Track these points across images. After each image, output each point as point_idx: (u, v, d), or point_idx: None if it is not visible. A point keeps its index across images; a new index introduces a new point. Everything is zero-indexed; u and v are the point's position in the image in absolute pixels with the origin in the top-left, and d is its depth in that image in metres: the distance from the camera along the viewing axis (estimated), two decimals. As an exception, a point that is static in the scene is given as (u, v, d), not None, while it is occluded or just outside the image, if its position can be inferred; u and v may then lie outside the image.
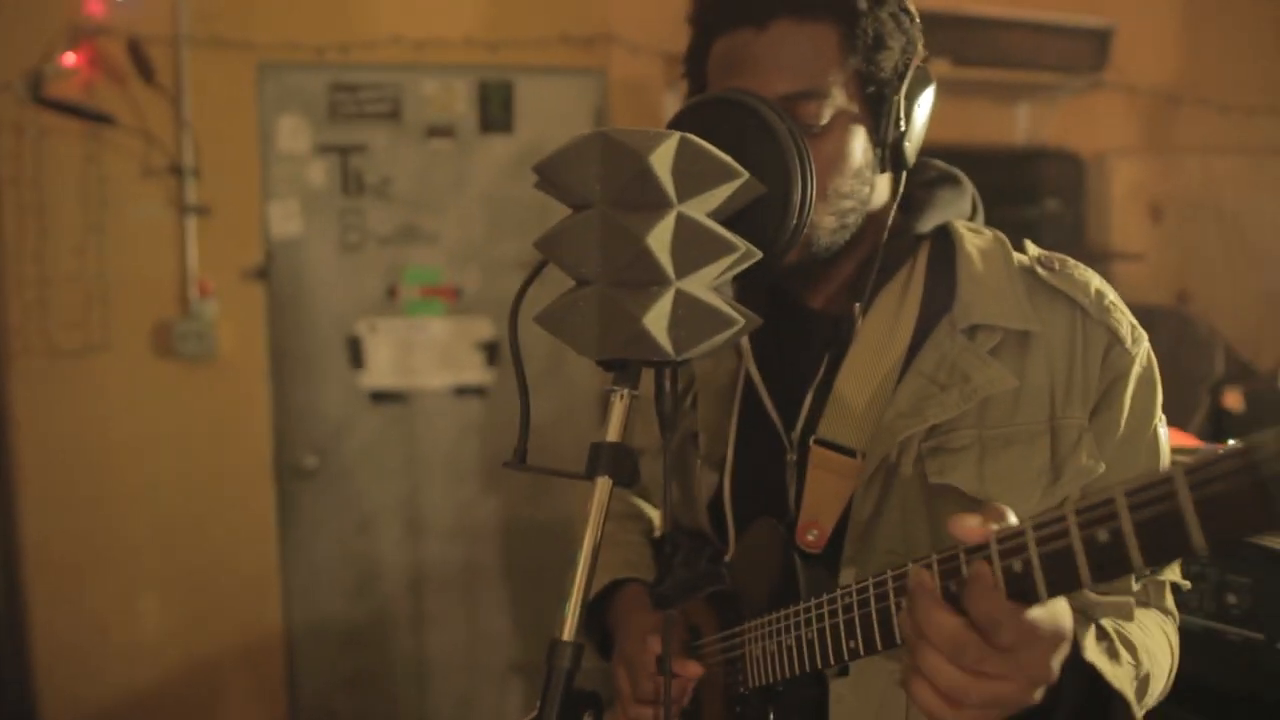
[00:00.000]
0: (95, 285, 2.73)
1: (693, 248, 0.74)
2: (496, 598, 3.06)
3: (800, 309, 1.03)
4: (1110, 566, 0.57)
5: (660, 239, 0.73)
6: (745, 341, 1.04)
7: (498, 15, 2.88)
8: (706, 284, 0.76)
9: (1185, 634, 1.33)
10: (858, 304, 0.98)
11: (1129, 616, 0.83)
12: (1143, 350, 0.95)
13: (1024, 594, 0.61)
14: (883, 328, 0.97)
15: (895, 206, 1.01)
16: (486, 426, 3.01)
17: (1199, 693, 1.29)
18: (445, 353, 2.98)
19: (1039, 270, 0.96)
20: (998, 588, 0.62)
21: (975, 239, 1.00)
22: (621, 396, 0.79)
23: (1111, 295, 0.96)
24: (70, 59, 2.62)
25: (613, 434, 0.80)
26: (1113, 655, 0.79)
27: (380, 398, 2.96)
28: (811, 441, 0.97)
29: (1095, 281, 0.97)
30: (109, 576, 2.79)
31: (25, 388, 2.72)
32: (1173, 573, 0.97)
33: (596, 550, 0.77)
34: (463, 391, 3.00)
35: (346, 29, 2.79)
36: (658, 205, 0.73)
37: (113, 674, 2.80)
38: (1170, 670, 0.94)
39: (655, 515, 1.29)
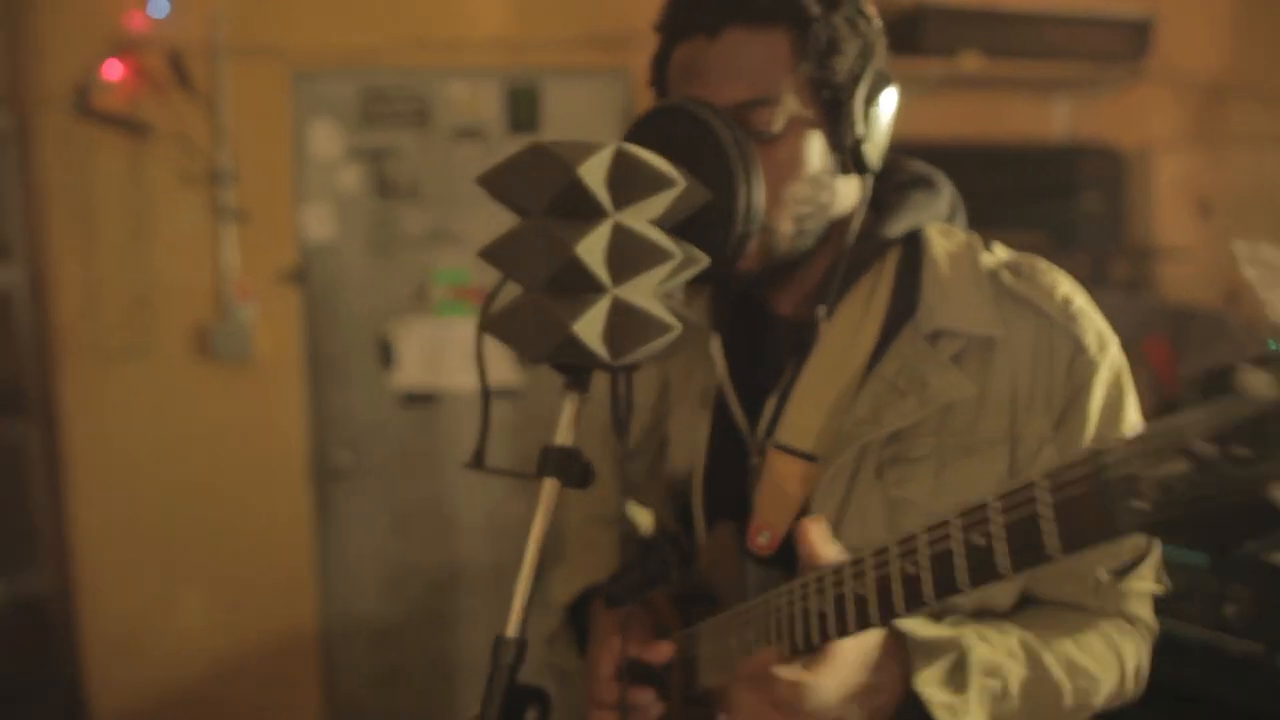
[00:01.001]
0: (138, 290, 2.82)
1: (628, 255, 0.75)
2: (527, 596, 3.09)
3: (768, 315, 1.03)
4: (980, 570, 0.58)
5: (592, 248, 0.74)
6: (717, 347, 1.05)
7: (523, 17, 2.91)
8: (649, 290, 0.77)
9: (1183, 645, 1.30)
10: (821, 308, 0.98)
11: (985, 639, 0.84)
12: (1109, 357, 0.93)
13: (913, 597, 0.64)
14: (846, 333, 0.97)
15: (864, 210, 1.00)
16: (516, 427, 3.04)
17: (1198, 704, 1.26)
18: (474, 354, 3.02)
19: (1004, 275, 0.94)
20: (771, 658, 0.76)
21: (945, 243, 0.99)
22: (571, 400, 0.81)
23: (1079, 300, 0.94)
24: (113, 71, 2.72)
25: (561, 437, 0.82)
26: (959, 685, 0.80)
27: (412, 399, 3.01)
28: (769, 445, 0.97)
29: (1063, 287, 0.94)
30: (152, 573, 2.88)
31: (74, 388, 2.82)
32: (1141, 579, 0.94)
33: (541, 549, 0.79)
34: (492, 393, 3.03)
35: (376, 34, 2.84)
36: (591, 214, 0.74)
37: (157, 668, 2.89)
38: (1120, 678, 0.92)
39: (638, 517, 1.29)
